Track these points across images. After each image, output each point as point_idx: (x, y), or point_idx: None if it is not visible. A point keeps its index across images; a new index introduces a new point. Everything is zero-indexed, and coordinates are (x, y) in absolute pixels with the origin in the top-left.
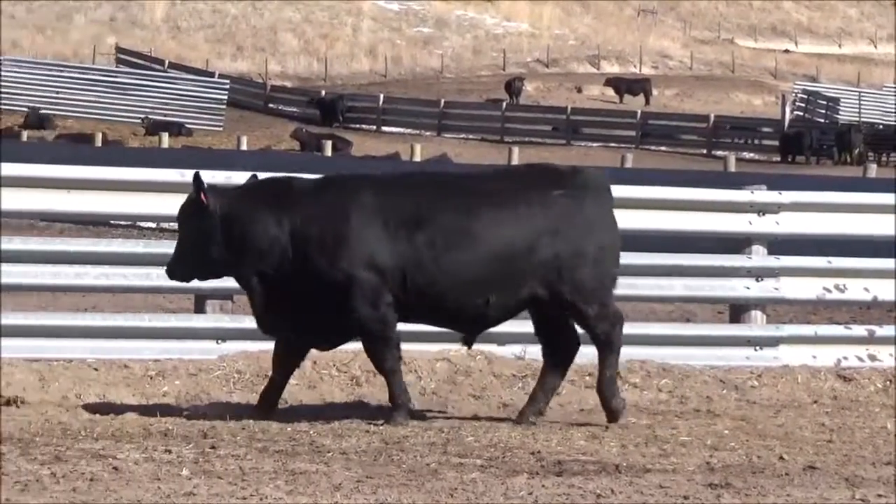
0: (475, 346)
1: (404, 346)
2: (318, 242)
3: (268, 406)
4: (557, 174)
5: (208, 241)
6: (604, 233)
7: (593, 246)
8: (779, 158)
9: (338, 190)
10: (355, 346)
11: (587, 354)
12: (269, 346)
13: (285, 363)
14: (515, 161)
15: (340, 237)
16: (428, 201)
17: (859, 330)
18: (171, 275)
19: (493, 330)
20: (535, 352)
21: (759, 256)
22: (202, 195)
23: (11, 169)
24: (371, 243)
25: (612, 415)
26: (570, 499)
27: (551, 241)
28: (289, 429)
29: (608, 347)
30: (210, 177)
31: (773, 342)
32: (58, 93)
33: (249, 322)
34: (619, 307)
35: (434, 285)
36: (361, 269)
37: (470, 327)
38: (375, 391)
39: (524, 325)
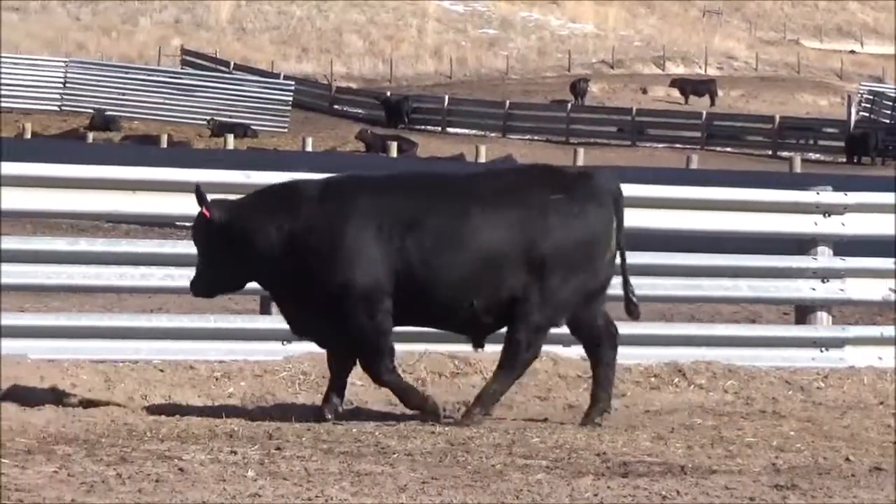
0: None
1: (467, 347)
2: (315, 248)
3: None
4: (558, 177)
5: (216, 253)
6: (594, 242)
7: (577, 253)
8: (844, 159)
9: (335, 193)
10: (420, 347)
11: (653, 356)
12: None
13: (339, 364)
14: (581, 162)
15: (336, 243)
16: (423, 204)
17: None
18: (194, 291)
19: (557, 331)
20: None
21: (824, 257)
22: (204, 209)
23: (78, 170)
24: (366, 248)
25: (463, 420)
26: (635, 500)
27: (538, 244)
28: (354, 430)
29: (513, 358)
30: (275, 178)
31: (839, 343)
32: (123, 94)
33: None
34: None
35: (426, 288)
36: (357, 275)
37: (464, 329)
38: (441, 392)
39: None
